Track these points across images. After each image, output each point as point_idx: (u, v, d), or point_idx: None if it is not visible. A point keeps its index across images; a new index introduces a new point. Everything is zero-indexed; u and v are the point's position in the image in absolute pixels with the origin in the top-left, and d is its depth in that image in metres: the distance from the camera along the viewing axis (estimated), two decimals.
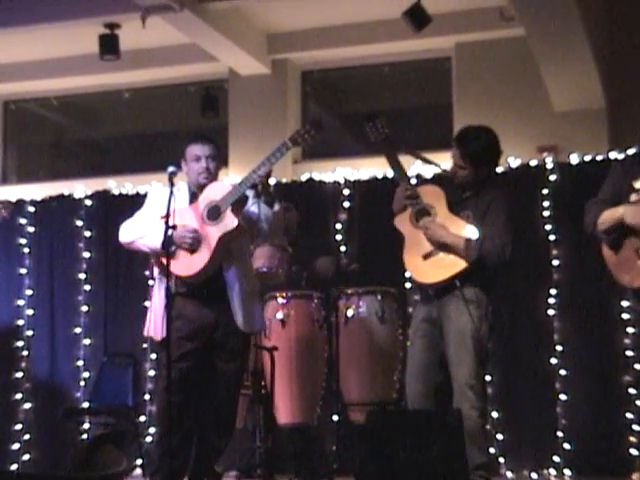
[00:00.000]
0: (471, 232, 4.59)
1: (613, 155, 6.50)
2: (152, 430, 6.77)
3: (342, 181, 7.02)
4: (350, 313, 5.91)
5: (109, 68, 7.50)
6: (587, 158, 6.62)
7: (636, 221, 4.13)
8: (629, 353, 6.29)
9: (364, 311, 5.93)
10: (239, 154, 7.55)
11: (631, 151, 6.10)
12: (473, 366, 4.53)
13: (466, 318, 4.51)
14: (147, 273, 6.72)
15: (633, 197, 4.19)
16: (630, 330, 6.30)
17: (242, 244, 4.79)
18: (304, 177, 7.15)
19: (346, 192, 6.99)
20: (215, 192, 4.66)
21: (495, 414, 6.37)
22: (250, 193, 4.66)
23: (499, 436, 6.37)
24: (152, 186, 6.65)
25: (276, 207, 4.74)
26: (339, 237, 6.92)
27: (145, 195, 5.06)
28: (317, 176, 7.12)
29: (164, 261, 4.49)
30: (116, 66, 7.39)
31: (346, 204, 6.97)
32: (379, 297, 5.93)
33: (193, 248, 4.61)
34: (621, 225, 4.16)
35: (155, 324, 4.69)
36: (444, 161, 5.10)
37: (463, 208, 4.68)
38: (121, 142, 8.61)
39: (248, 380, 5.59)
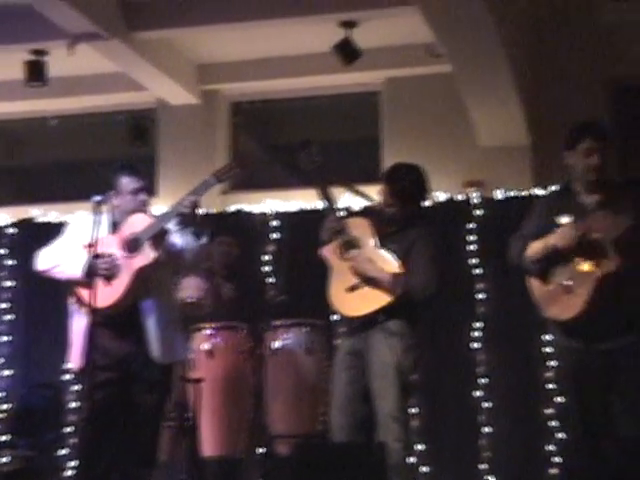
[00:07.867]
0: (396, 267, 4.62)
1: (537, 191, 6.63)
2: (74, 463, 6.64)
3: (270, 212, 7.03)
4: (277, 345, 5.88)
5: (36, 94, 7.40)
6: (511, 194, 6.74)
7: (566, 241, 4.12)
8: (550, 386, 6.38)
9: (291, 343, 5.90)
10: (168, 184, 7.50)
11: (554, 188, 6.21)
12: (397, 398, 4.54)
13: (390, 351, 4.53)
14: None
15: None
16: (551, 363, 6.40)
17: (162, 275, 4.75)
18: (233, 208, 7.14)
19: (274, 223, 7.00)
20: (136, 224, 4.67)
21: (421, 447, 6.40)
22: (173, 225, 4.66)
23: (424, 469, 6.39)
24: (76, 215, 6.56)
25: (204, 239, 4.72)
26: (267, 268, 6.91)
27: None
28: (246, 207, 7.12)
29: (81, 291, 4.48)
30: (43, 93, 7.29)
31: (274, 235, 6.97)
32: (306, 329, 5.92)
33: (110, 274, 4.58)
34: (551, 254, 4.17)
35: (75, 352, 4.64)
36: (371, 194, 5.13)
37: (389, 242, 4.70)
38: (47, 170, 8.48)
39: (173, 412, 5.52)
